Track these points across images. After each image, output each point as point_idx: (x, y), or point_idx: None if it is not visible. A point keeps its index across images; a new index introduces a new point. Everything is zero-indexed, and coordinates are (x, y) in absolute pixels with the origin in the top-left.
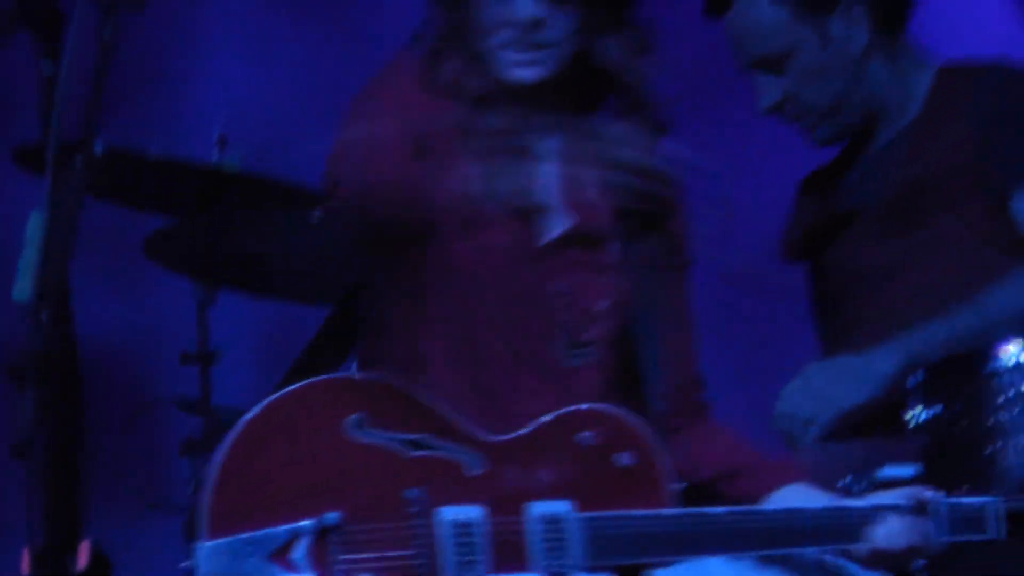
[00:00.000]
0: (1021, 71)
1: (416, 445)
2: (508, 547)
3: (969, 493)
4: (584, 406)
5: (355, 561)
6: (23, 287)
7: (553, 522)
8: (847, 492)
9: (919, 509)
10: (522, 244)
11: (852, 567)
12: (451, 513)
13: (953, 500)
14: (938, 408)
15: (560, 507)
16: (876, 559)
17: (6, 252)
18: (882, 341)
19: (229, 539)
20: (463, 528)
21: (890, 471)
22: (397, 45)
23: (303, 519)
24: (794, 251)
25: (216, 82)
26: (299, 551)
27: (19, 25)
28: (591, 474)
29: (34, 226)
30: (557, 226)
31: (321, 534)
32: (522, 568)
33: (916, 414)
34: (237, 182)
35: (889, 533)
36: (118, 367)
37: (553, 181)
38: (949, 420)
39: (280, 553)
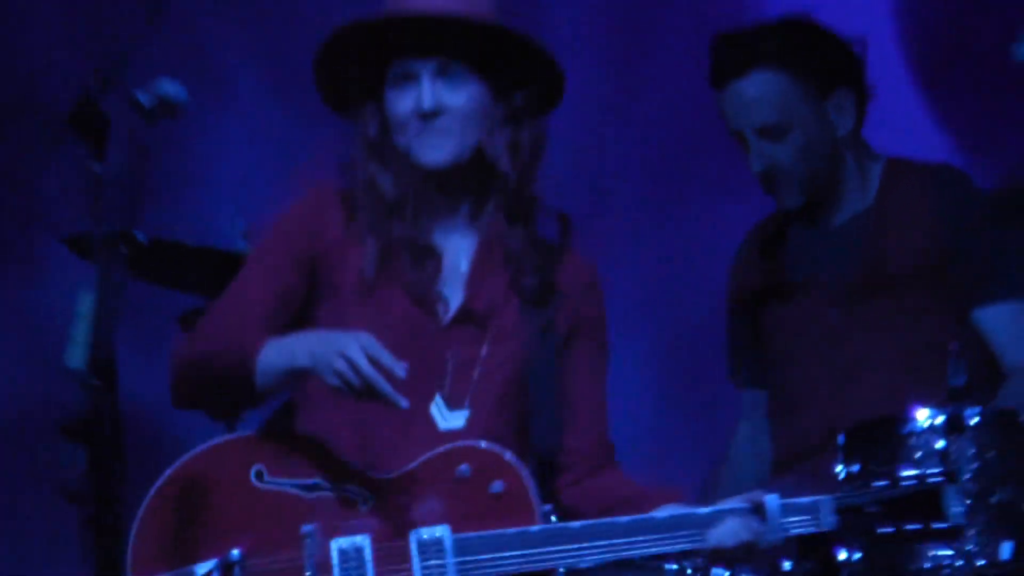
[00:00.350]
0: (970, 180)
1: (313, 488)
2: (393, 570)
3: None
4: (460, 443)
5: None
6: (74, 356)
7: (433, 544)
8: None
9: (755, 510)
10: (416, 322)
11: None
12: (341, 542)
13: (786, 500)
14: (857, 466)
15: (439, 530)
16: (716, 555)
17: (60, 326)
18: (830, 400)
19: None
20: (352, 554)
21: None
22: None
23: (213, 559)
24: (742, 306)
25: (241, 183)
26: None
27: (71, 130)
28: (468, 501)
29: (84, 303)
30: (452, 307)
31: (226, 570)
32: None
33: (843, 470)
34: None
35: (724, 532)
36: (155, 427)
37: (453, 271)
38: (867, 475)
39: None
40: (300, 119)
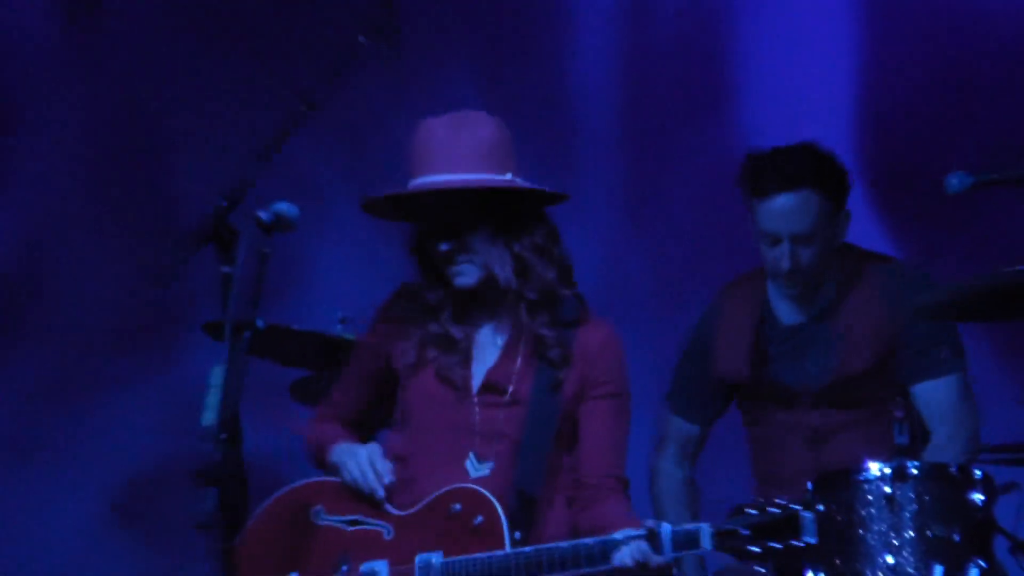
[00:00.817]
0: (920, 272)
1: (352, 523)
2: None
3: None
4: (454, 486)
5: None
6: (208, 416)
7: (428, 566)
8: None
9: (650, 535)
10: (448, 396)
11: None
12: (366, 568)
13: (675, 527)
14: (821, 506)
15: (435, 556)
16: (619, 573)
17: (197, 393)
18: (804, 466)
19: None
20: (375, 572)
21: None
22: None
23: None
24: (703, 359)
25: (337, 281)
26: None
27: (207, 240)
28: (457, 532)
29: (215, 375)
30: (477, 382)
31: None
32: None
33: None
34: (351, 348)
35: (622, 555)
36: (271, 472)
37: (483, 355)
38: (829, 514)
39: None
40: (386, 228)
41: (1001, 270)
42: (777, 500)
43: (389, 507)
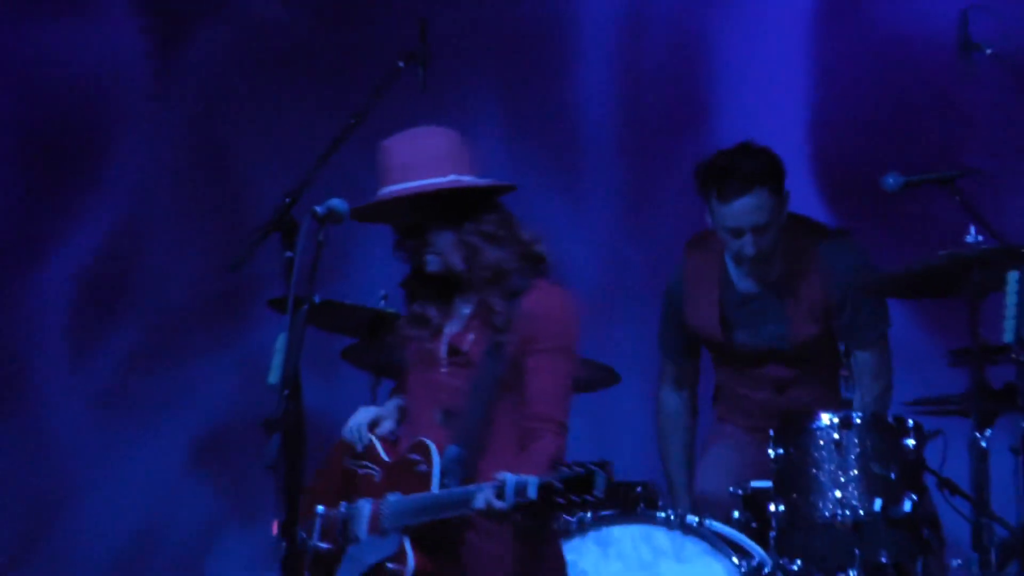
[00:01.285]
0: (857, 245)
1: (361, 466)
2: (375, 518)
3: None
4: (415, 439)
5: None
6: (274, 376)
7: (388, 504)
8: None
9: (499, 487)
10: (428, 359)
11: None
12: (356, 504)
13: (516, 480)
14: (781, 450)
15: (392, 496)
16: (479, 515)
17: (265, 357)
18: (769, 412)
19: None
20: (360, 508)
21: (756, 483)
22: None
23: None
24: (678, 318)
25: (381, 264)
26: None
27: (273, 231)
28: (410, 475)
29: (280, 342)
30: (443, 352)
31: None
32: (379, 532)
33: (772, 452)
34: (392, 320)
35: (477, 501)
36: (326, 423)
37: (452, 328)
38: (788, 455)
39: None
40: None
41: (927, 255)
42: (584, 463)
43: (384, 454)
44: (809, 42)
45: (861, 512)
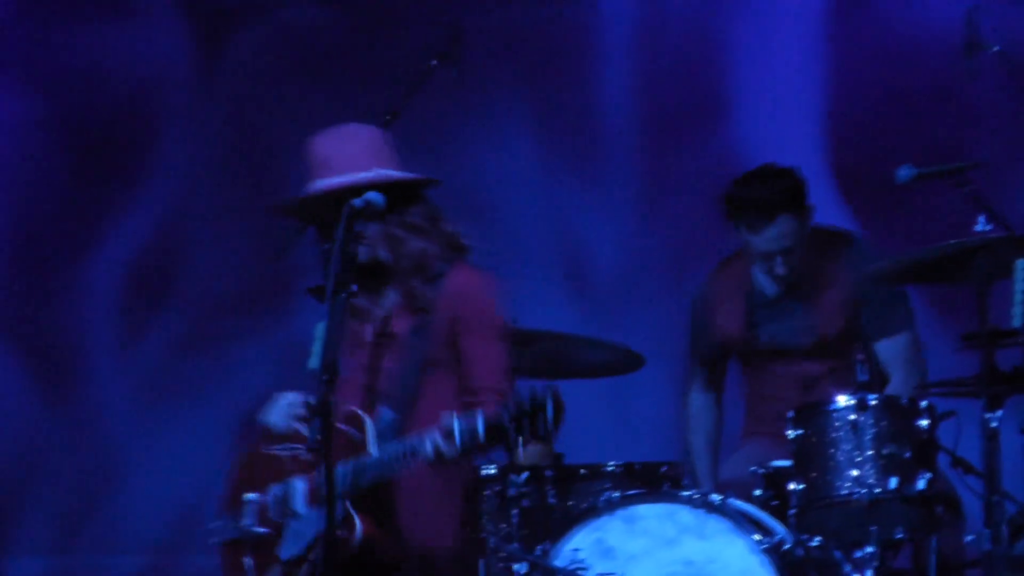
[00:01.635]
0: (871, 245)
1: (286, 449)
2: (314, 491)
3: None
4: (345, 410)
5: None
6: (314, 362)
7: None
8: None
9: (445, 430)
10: (356, 342)
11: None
12: (293, 480)
13: (463, 418)
14: (800, 431)
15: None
16: (430, 463)
17: (306, 344)
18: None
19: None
20: (294, 485)
21: (776, 463)
22: None
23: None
24: (707, 323)
25: None
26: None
27: (310, 224)
28: (345, 446)
29: (319, 329)
30: (370, 335)
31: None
32: (315, 499)
33: (792, 433)
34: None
35: (425, 448)
36: None
37: (384, 313)
38: (807, 436)
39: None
40: (453, 214)
41: (938, 244)
42: (534, 393)
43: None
44: (822, 39)
45: (877, 490)
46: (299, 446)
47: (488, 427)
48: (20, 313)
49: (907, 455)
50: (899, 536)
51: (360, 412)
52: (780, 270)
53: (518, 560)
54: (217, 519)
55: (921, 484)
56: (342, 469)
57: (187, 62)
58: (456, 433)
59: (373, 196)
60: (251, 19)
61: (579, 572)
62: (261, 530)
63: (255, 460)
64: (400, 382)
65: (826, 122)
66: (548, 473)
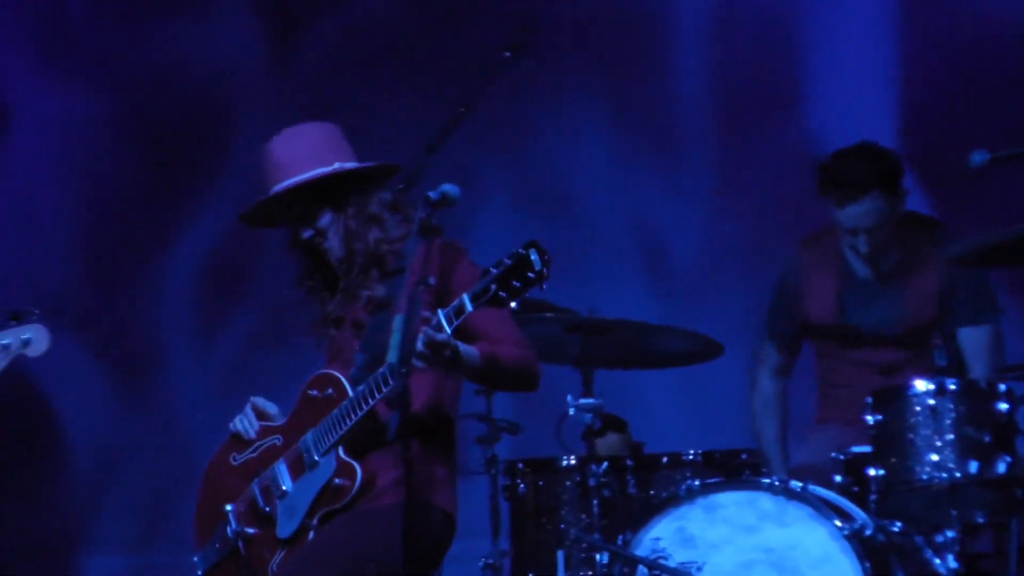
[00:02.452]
0: (963, 238)
1: (256, 449)
2: (296, 462)
3: None
4: (309, 377)
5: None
6: (392, 355)
7: (306, 437)
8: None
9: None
10: (343, 354)
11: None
12: (273, 466)
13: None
14: (879, 416)
15: (309, 435)
16: (426, 359)
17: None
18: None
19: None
20: (275, 468)
21: (856, 448)
22: None
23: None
24: (793, 302)
25: (491, 245)
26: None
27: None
28: (320, 407)
29: (398, 322)
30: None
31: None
32: (307, 467)
33: (871, 419)
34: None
35: (418, 344)
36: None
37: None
38: (886, 422)
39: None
40: (525, 207)
41: (1014, 227)
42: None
43: (277, 423)
44: (895, 25)
45: (957, 474)
46: (273, 436)
47: (474, 296)
48: (97, 312)
49: (987, 439)
50: (980, 520)
51: (329, 371)
52: (863, 247)
53: (599, 550)
54: (194, 554)
55: (1001, 468)
56: (320, 423)
57: (260, 57)
58: (444, 319)
59: (449, 188)
60: (324, 13)
61: (660, 561)
62: (252, 531)
63: (222, 478)
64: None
65: (900, 108)
66: (628, 462)
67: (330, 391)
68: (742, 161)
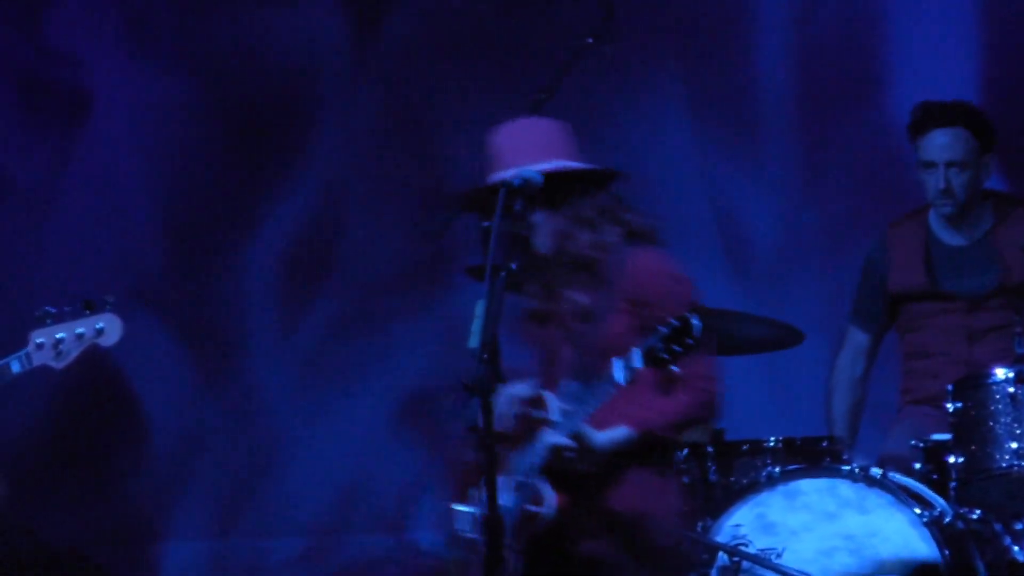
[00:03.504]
0: None
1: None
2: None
3: None
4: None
5: None
6: (474, 340)
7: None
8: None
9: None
10: (551, 354)
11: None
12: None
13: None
14: (959, 404)
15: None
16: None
17: (465, 323)
18: (955, 365)
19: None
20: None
21: (936, 436)
22: None
23: None
24: (879, 279)
25: None
26: None
27: (470, 202)
28: (525, 426)
29: (479, 308)
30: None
31: None
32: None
33: (951, 407)
34: None
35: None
36: None
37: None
38: (966, 409)
39: None
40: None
41: None
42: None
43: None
44: (976, 10)
45: None
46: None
47: (645, 355)
48: (178, 298)
49: None
50: None
51: (542, 392)
52: (940, 183)
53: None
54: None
55: None
56: (530, 450)
57: (342, 43)
58: (624, 367)
59: (530, 174)
60: None
61: (740, 547)
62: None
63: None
64: (581, 369)
65: (981, 94)
66: (709, 449)
67: (538, 413)
68: (824, 148)
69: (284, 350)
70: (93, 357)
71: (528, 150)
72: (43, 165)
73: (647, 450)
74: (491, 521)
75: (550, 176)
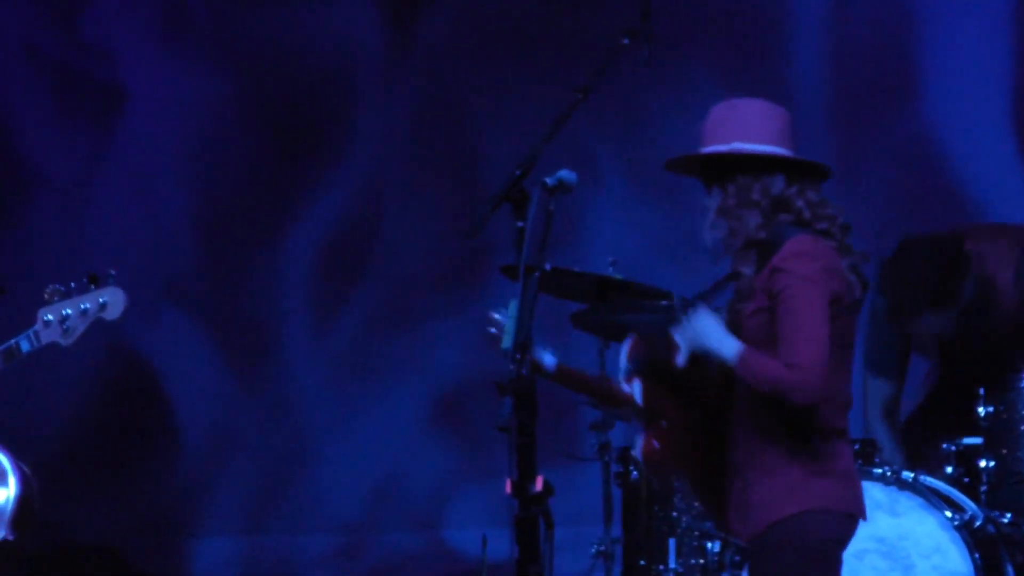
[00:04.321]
0: None
1: None
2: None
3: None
4: None
5: None
6: (507, 340)
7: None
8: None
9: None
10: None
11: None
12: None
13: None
14: (991, 408)
15: None
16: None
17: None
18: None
19: None
20: None
21: (967, 440)
22: None
23: None
24: (901, 321)
25: (609, 232)
26: None
27: (505, 201)
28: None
29: (512, 308)
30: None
31: None
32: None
33: (982, 411)
34: (620, 286)
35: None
36: (555, 386)
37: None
38: (997, 413)
39: None
40: (643, 193)
41: None
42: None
43: None
44: (1012, 16)
45: None
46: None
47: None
48: (214, 293)
49: None
50: None
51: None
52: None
53: (711, 538)
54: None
55: None
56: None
57: (380, 39)
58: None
59: (565, 174)
60: None
61: None
62: None
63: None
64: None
65: (1013, 104)
66: None
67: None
68: (858, 149)
69: (318, 348)
70: (127, 353)
71: (728, 130)
72: (79, 161)
73: (801, 443)
74: (522, 517)
75: (724, 157)
